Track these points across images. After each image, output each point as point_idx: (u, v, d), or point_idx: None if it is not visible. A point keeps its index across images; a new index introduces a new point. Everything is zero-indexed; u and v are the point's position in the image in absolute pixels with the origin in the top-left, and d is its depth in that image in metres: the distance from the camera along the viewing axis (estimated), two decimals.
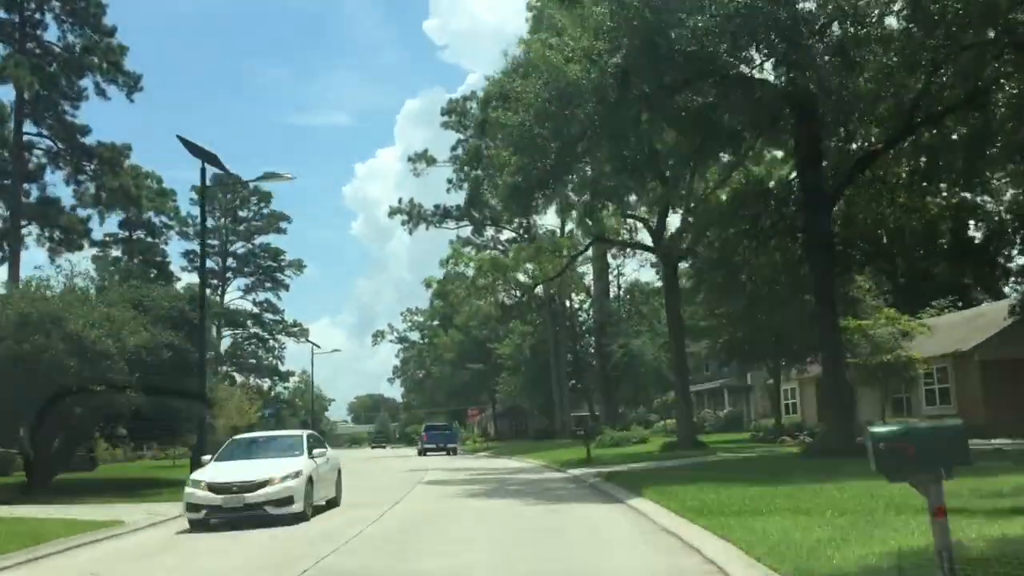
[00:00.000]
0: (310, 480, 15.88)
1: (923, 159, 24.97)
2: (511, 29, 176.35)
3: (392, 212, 61.87)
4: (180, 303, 25.29)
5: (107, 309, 22.87)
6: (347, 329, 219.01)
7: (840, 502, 12.97)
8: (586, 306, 74.80)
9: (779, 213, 23.94)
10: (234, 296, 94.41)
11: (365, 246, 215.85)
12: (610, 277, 69.43)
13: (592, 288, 66.06)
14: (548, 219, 61.51)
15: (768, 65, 22.03)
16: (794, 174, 27.09)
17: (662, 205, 34.37)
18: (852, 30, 21.18)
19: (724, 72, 20.86)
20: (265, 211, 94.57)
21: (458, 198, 62.51)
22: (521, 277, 42.98)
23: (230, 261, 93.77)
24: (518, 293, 46.61)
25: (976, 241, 43.04)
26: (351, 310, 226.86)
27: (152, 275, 77.98)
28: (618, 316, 67.97)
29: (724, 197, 31.89)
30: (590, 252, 58.91)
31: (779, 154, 32.91)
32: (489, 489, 22.39)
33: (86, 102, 48.34)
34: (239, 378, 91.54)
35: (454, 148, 58.76)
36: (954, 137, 24.14)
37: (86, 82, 47.93)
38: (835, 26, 22.08)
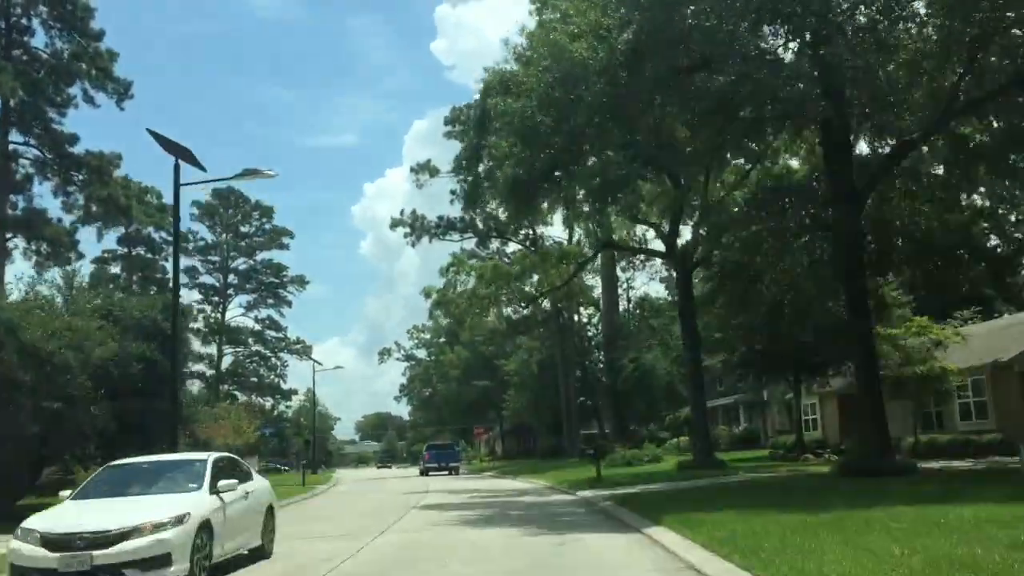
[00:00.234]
0: (206, 527, 11.22)
1: (960, 152, 22.84)
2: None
3: (394, 224, 59.80)
4: (153, 312, 23.26)
5: (70, 318, 20.86)
6: (357, 348, 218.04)
7: (902, 535, 10.85)
8: (595, 320, 72.78)
9: (804, 209, 21.77)
10: (235, 313, 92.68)
11: (374, 265, 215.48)
12: (619, 291, 67.43)
13: (601, 301, 63.89)
14: (555, 230, 59.79)
15: (793, 46, 20.00)
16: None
17: (675, 208, 32.30)
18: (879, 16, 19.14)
19: (746, 51, 18.83)
20: (267, 226, 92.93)
21: (461, 209, 60.61)
22: (527, 288, 40.71)
23: (231, 277, 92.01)
24: (523, 304, 44.26)
25: (999, 251, 41.29)
26: (360, 329, 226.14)
27: (152, 292, 76.84)
28: (628, 330, 65.79)
29: (741, 199, 29.77)
30: (598, 261, 57.11)
31: (795, 164, 30.96)
32: (489, 515, 20.23)
33: (75, 111, 46.76)
34: (241, 397, 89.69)
35: (458, 158, 56.80)
36: (995, 125, 22.03)
37: (75, 90, 46.31)
38: (863, 8, 20.08)
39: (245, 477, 13.50)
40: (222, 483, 12.17)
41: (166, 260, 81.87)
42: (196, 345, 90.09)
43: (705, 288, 32.51)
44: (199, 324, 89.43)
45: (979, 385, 30.37)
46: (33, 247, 46.52)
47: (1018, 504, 12.89)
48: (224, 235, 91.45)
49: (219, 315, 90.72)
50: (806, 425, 41.83)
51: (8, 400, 18.33)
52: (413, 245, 61.28)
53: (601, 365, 67.62)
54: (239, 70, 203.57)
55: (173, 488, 12.01)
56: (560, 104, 19.52)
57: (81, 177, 46.46)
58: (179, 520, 10.71)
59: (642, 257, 69.91)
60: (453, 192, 50.73)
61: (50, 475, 26.30)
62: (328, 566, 12.27)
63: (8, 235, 44.63)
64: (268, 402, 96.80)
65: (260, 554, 13.48)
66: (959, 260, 25.34)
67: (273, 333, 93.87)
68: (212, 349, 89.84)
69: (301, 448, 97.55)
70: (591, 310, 71.20)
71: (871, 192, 21.82)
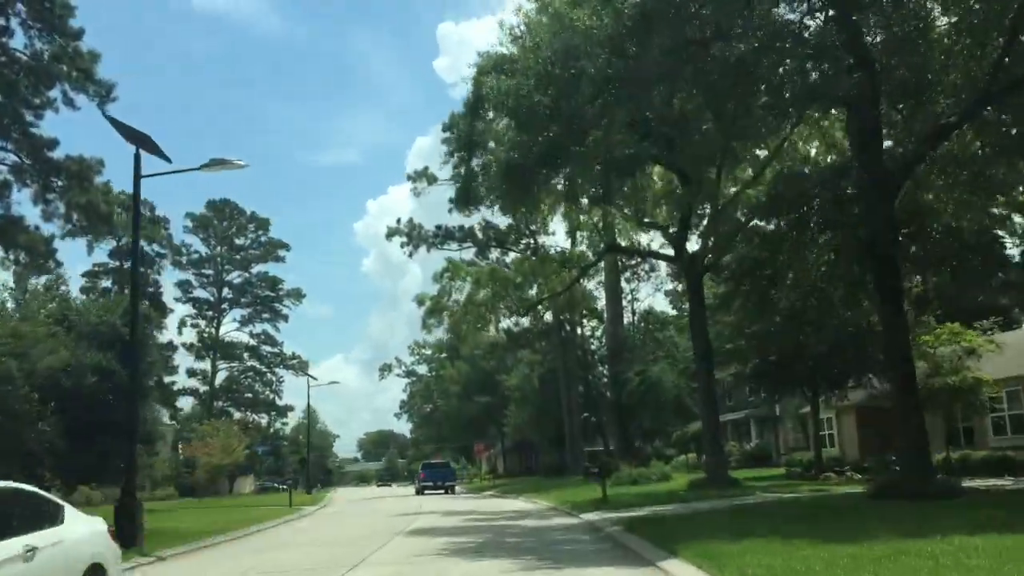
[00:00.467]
0: None
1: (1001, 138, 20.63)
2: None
3: (390, 233, 57.63)
4: (112, 317, 21.09)
5: (15, 324, 18.71)
6: (361, 366, 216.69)
7: (984, 574, 8.65)
8: (598, 333, 70.61)
9: (830, 200, 19.57)
10: (230, 328, 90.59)
11: (377, 282, 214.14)
12: (623, 303, 65.26)
13: (604, 312, 61.67)
14: (557, 239, 57.64)
15: (820, 16, 17.89)
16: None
17: (684, 208, 30.15)
18: None
19: (766, 20, 16.74)
20: (263, 238, 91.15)
21: (459, 218, 58.57)
22: (527, 293, 38.40)
23: (226, 291, 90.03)
24: (523, 311, 41.89)
25: (1015, 259, 39.40)
26: (364, 347, 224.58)
27: (144, 306, 74.81)
28: (633, 343, 63.58)
29: (755, 197, 27.63)
30: (602, 270, 54.91)
31: (813, 153, 28.90)
32: (482, 542, 17.97)
33: (55, 114, 44.48)
34: (236, 413, 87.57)
35: (456, 166, 54.75)
36: None
37: (55, 92, 44.26)
38: None
39: (38, 522, 8.45)
40: None
41: (158, 273, 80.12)
42: (190, 360, 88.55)
43: (720, 291, 30.28)
44: (192, 339, 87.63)
45: (1015, 397, 28.14)
46: (12, 256, 44.56)
47: None
48: (218, 247, 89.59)
49: (213, 330, 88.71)
50: (821, 441, 39.56)
51: None
52: (410, 255, 59.04)
53: (605, 379, 65.45)
54: (241, 86, 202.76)
55: None
56: (560, 82, 17.42)
57: (60, 183, 44.36)
58: None
59: (647, 267, 67.96)
60: (451, 200, 48.66)
61: None
62: None
63: None
64: (264, 419, 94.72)
65: None
66: (1002, 259, 22.84)
67: (269, 348, 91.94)
68: (206, 364, 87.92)
69: (297, 467, 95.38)
70: (594, 322, 69.12)
71: (905, 181, 19.65)
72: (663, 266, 66.52)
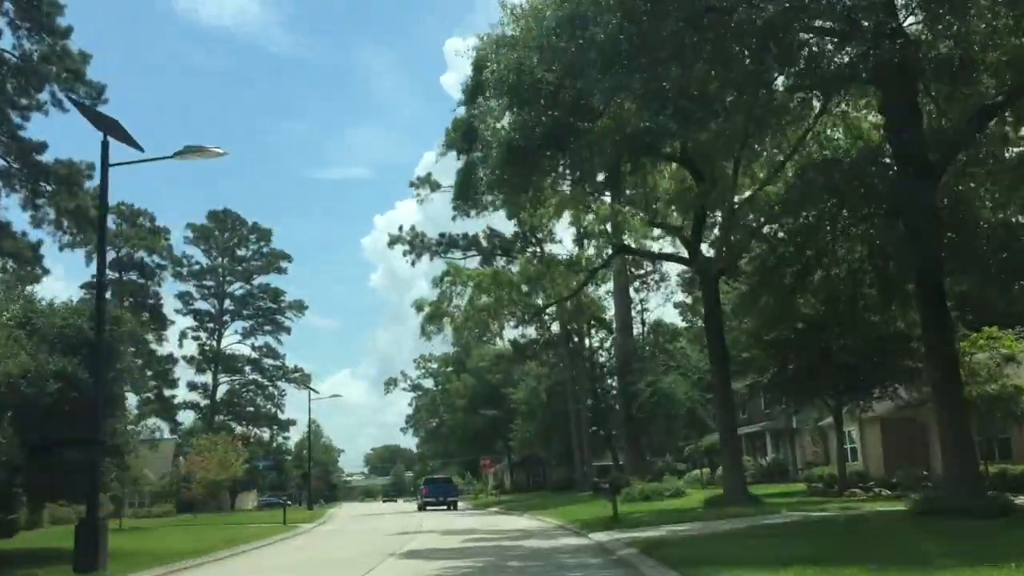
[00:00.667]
0: None
1: None
2: None
3: (392, 241, 56.37)
4: (79, 320, 19.35)
5: None
6: (368, 381, 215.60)
7: None
8: (607, 344, 68.68)
9: (864, 188, 17.73)
10: (232, 340, 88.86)
11: (384, 297, 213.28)
12: (632, 313, 63.37)
13: (613, 322, 59.82)
14: (564, 247, 55.90)
15: None
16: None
17: (698, 207, 28.36)
18: None
19: None
20: (265, 250, 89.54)
21: (463, 226, 57.06)
22: (533, 299, 36.52)
23: (227, 303, 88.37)
24: (527, 317, 39.99)
25: None
26: (371, 362, 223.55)
27: (144, 318, 73.10)
28: (643, 353, 61.66)
29: (775, 193, 25.78)
30: (611, 280, 53.09)
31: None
32: (481, 567, 16.08)
33: (44, 117, 43.15)
34: (237, 428, 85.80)
35: (456, 158, 53.20)
36: None
37: (44, 95, 42.80)
38: None
39: None
40: None
41: (159, 285, 78.64)
42: (191, 374, 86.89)
43: (736, 292, 28.40)
44: (193, 351, 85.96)
45: None
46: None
47: None
48: (220, 259, 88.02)
49: (214, 342, 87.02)
50: (843, 455, 37.57)
51: None
52: (413, 264, 57.82)
53: (614, 391, 63.52)
54: (248, 101, 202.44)
55: None
56: (565, 55, 15.69)
57: (49, 188, 42.90)
58: None
59: (657, 277, 66.16)
60: (453, 200, 47.06)
61: None
62: None
63: None
64: (266, 433, 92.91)
65: None
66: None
67: (271, 361, 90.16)
68: (207, 377, 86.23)
69: (300, 482, 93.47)
70: (603, 333, 67.26)
71: (948, 166, 17.83)
72: (673, 276, 64.74)
